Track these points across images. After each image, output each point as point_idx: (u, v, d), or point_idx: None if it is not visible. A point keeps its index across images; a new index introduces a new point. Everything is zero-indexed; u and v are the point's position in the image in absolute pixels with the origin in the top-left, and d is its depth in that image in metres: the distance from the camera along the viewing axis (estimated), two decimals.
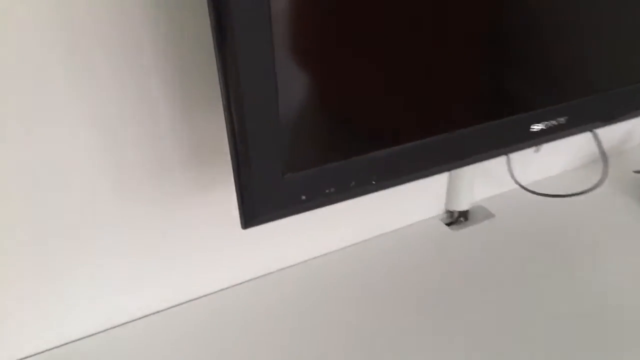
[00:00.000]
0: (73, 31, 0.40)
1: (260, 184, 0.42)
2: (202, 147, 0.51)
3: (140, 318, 0.56)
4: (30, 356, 0.52)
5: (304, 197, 0.44)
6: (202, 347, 0.53)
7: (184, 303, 0.58)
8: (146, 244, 0.53)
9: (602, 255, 0.64)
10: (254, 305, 0.58)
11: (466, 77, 0.47)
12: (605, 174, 0.67)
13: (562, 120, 0.53)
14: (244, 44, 0.36)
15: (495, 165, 0.70)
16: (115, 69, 0.43)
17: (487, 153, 0.51)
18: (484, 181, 0.73)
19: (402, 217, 0.69)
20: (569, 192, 0.70)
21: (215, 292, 0.60)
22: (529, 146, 0.53)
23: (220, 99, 0.39)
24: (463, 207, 0.70)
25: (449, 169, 0.51)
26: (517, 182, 0.70)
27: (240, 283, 0.61)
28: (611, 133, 0.79)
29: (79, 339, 0.54)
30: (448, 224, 0.70)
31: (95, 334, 0.55)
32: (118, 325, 0.56)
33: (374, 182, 0.47)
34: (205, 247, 0.57)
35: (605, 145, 0.68)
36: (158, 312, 0.57)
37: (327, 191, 0.45)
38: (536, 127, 0.52)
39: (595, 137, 0.67)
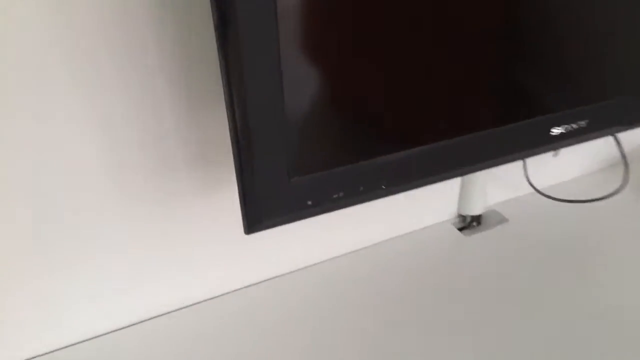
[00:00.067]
0: (77, 30, 0.40)
1: (264, 188, 0.40)
2: (207, 146, 0.50)
3: (141, 321, 0.56)
4: (31, 358, 0.52)
5: (310, 202, 0.43)
6: (205, 351, 0.53)
7: (187, 307, 0.58)
8: (149, 245, 0.52)
9: (621, 264, 0.62)
10: (260, 310, 0.57)
11: (483, 77, 0.45)
12: (626, 178, 0.65)
13: (582, 123, 0.51)
14: (247, 38, 0.34)
15: (510, 168, 0.68)
16: (119, 69, 0.43)
17: (503, 157, 0.49)
18: (498, 185, 0.71)
19: (412, 221, 0.68)
20: (587, 198, 0.68)
21: (220, 295, 0.59)
22: (547, 150, 0.51)
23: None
24: (476, 211, 0.69)
25: (463, 174, 0.49)
26: (532, 186, 0.69)
27: (246, 286, 0.60)
28: (633, 136, 0.76)
29: (79, 342, 0.54)
30: (460, 229, 0.69)
31: (96, 337, 0.54)
32: (119, 329, 0.55)
33: (384, 187, 0.45)
34: (209, 249, 0.56)
35: (627, 148, 0.66)
36: (160, 315, 0.57)
37: (335, 196, 0.44)
38: (555, 131, 0.50)
39: (616, 139, 0.65)
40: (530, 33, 0.45)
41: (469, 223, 0.69)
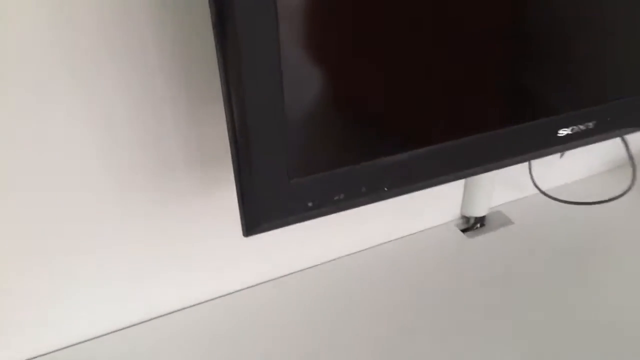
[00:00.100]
0: (76, 30, 0.40)
1: (263, 189, 0.39)
2: (207, 146, 0.49)
3: (141, 322, 0.56)
4: (31, 359, 0.52)
5: (310, 204, 0.42)
6: (206, 352, 0.52)
7: (187, 307, 0.57)
8: (148, 245, 0.52)
9: (628, 268, 0.61)
10: (260, 311, 0.57)
11: (488, 77, 0.44)
12: (633, 180, 0.64)
13: (590, 125, 0.50)
14: (246, 36, 0.33)
15: (515, 169, 0.66)
16: (119, 69, 0.42)
17: (509, 159, 0.48)
18: (503, 186, 0.70)
19: (415, 222, 0.67)
20: (594, 200, 0.67)
21: (221, 296, 0.59)
22: (554, 152, 0.50)
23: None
24: (480, 212, 0.68)
25: (468, 176, 0.48)
26: (537, 188, 0.68)
27: (247, 287, 0.60)
28: None
29: (79, 342, 0.53)
30: (464, 230, 0.68)
31: (96, 337, 0.54)
32: (119, 330, 0.55)
33: (386, 189, 0.44)
34: (209, 249, 0.56)
35: (634, 149, 0.65)
36: (160, 316, 0.56)
37: (335, 198, 0.43)
38: (562, 132, 0.49)
39: (624, 140, 0.64)
40: (537, 32, 0.44)
41: (472, 224, 0.68)
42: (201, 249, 0.55)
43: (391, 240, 0.66)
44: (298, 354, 0.52)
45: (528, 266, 0.61)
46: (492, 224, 0.68)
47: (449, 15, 0.39)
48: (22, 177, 0.43)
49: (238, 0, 0.32)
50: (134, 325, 0.55)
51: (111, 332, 0.54)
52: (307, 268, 0.62)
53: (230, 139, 0.37)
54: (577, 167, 0.75)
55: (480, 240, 0.66)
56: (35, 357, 0.52)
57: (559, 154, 0.66)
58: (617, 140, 0.63)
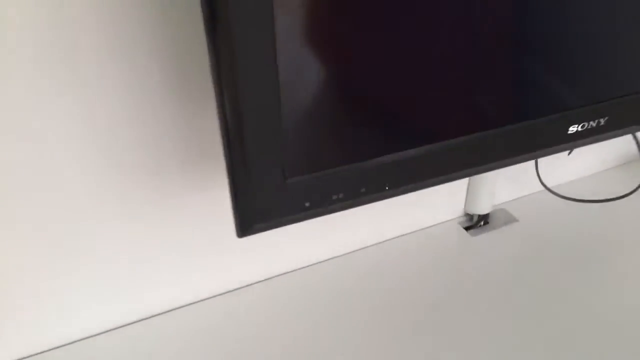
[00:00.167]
0: (69, 30, 0.39)
1: (258, 189, 0.38)
2: (206, 144, 0.49)
3: (139, 320, 0.55)
4: (31, 356, 0.52)
5: (308, 204, 0.40)
6: (203, 351, 0.52)
7: (184, 306, 0.57)
8: (146, 245, 0.52)
9: (636, 267, 0.59)
10: (257, 310, 0.56)
11: (495, 70, 0.42)
12: None
13: (602, 121, 0.48)
14: (240, 24, 0.31)
15: (520, 165, 0.64)
16: (118, 68, 0.42)
17: (517, 157, 0.46)
18: (508, 182, 0.68)
19: (416, 220, 0.66)
20: (602, 197, 0.65)
21: (219, 294, 0.58)
22: (564, 150, 0.48)
23: None
24: (484, 210, 0.66)
25: (474, 174, 0.46)
26: (543, 184, 0.66)
27: (246, 286, 0.59)
28: None
29: (77, 340, 0.53)
30: (467, 228, 0.66)
31: (94, 335, 0.54)
32: (116, 328, 0.55)
33: (387, 188, 0.42)
34: (206, 248, 0.55)
35: None
36: (158, 314, 0.56)
37: (334, 197, 0.41)
38: (573, 129, 0.47)
39: (634, 135, 0.62)
40: (547, 25, 0.42)
41: (476, 222, 0.67)
42: (198, 248, 0.54)
43: (393, 238, 0.65)
44: (297, 354, 0.51)
45: (532, 266, 0.60)
46: (496, 222, 0.67)
47: (458, 6, 0.37)
48: (18, 177, 0.43)
49: None
50: (131, 323, 0.55)
51: (107, 331, 0.54)
52: (307, 266, 0.61)
53: (222, 136, 0.35)
54: (585, 163, 0.74)
55: (484, 238, 0.64)
56: (34, 354, 0.52)
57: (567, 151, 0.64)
58: (628, 135, 0.61)
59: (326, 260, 0.62)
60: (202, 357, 0.51)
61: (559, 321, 0.53)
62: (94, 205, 0.47)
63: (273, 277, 0.60)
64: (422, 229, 0.66)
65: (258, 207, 0.39)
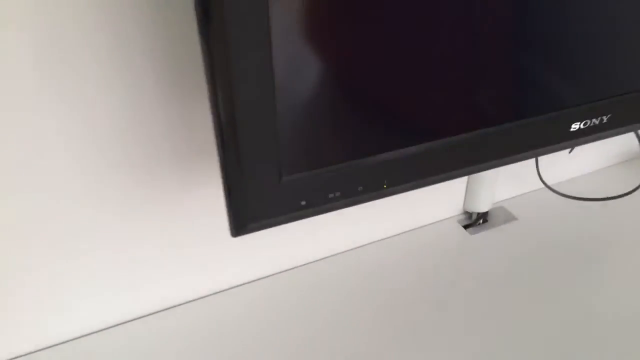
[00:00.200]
0: (68, 30, 0.39)
1: (252, 188, 0.37)
2: (202, 142, 0.48)
3: (136, 318, 0.55)
4: (29, 353, 0.52)
5: (304, 203, 0.39)
6: (201, 348, 0.52)
7: (181, 304, 0.57)
8: (145, 243, 0.52)
9: (636, 266, 0.58)
10: (258, 308, 0.56)
11: (496, 68, 0.41)
12: None
13: (604, 119, 0.47)
14: (234, 18, 0.30)
15: (520, 163, 0.64)
16: (111, 68, 0.41)
17: (518, 155, 0.45)
18: (507, 180, 0.68)
19: (415, 218, 0.65)
20: (603, 195, 0.64)
21: (218, 292, 0.58)
22: (566, 147, 0.47)
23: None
24: (483, 208, 0.65)
25: (474, 172, 0.45)
26: (543, 182, 0.65)
27: (245, 283, 0.59)
28: None
29: (76, 338, 0.53)
30: (466, 226, 0.66)
31: (91, 333, 0.54)
32: (113, 326, 0.55)
33: (385, 187, 0.41)
34: (203, 247, 0.55)
35: None
36: (156, 312, 0.56)
37: (331, 196, 0.40)
38: (574, 127, 0.46)
39: (636, 132, 0.61)
40: (549, 23, 0.41)
41: (475, 220, 0.66)
42: (195, 247, 0.54)
43: (392, 236, 0.64)
44: (295, 352, 0.51)
45: (531, 265, 0.59)
46: (495, 220, 0.66)
47: (458, 3, 0.36)
48: (21, 177, 0.43)
49: None
50: (128, 321, 0.55)
51: (104, 329, 0.54)
52: (306, 264, 0.61)
53: (216, 135, 0.34)
54: (585, 160, 0.73)
55: (483, 236, 0.64)
56: (34, 352, 0.52)
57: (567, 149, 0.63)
58: (630, 133, 0.60)
59: (324, 258, 0.61)
60: (201, 354, 0.51)
61: (558, 319, 0.52)
62: (93, 204, 0.47)
63: (271, 275, 0.59)
64: (421, 226, 0.65)
65: (252, 207, 0.38)
